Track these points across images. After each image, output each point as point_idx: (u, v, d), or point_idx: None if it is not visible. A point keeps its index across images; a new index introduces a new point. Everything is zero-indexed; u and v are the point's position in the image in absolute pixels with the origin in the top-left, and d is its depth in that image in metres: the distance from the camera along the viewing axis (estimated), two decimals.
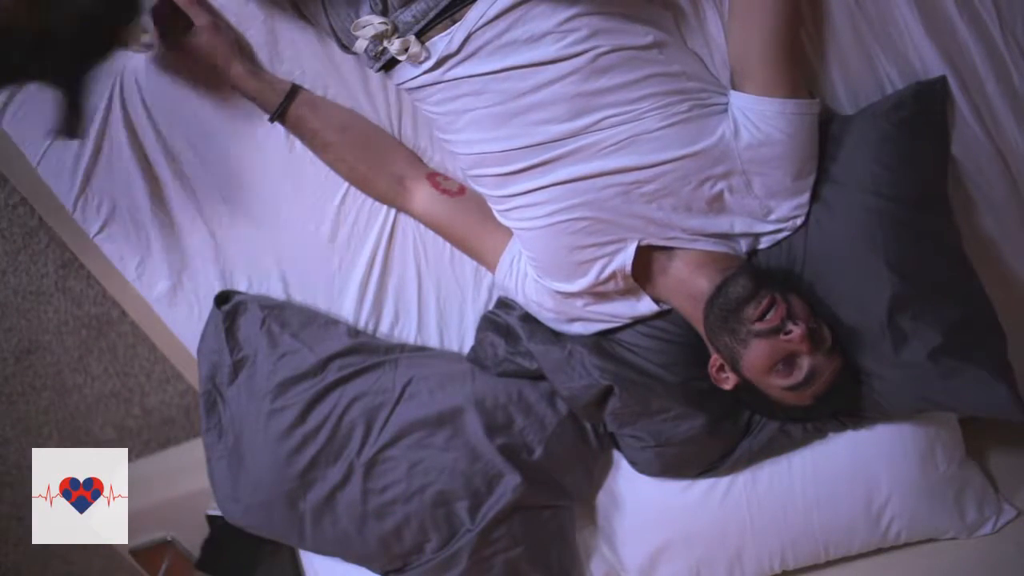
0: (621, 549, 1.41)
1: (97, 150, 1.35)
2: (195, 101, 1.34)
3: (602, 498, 1.41)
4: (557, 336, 1.32)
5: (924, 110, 1.21)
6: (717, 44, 1.22)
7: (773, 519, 1.34)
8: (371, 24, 1.14)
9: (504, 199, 1.23)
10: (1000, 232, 1.31)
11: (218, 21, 1.26)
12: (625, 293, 1.25)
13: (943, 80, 1.22)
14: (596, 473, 1.40)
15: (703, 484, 1.35)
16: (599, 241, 1.20)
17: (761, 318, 1.13)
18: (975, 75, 1.22)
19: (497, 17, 1.10)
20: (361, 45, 1.17)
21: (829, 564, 1.40)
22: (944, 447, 1.33)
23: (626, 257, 1.20)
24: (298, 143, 1.35)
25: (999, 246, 1.32)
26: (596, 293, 1.25)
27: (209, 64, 1.26)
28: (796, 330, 1.11)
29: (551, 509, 1.37)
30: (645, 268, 1.23)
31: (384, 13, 1.15)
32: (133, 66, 1.31)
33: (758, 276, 1.16)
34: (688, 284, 1.21)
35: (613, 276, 1.22)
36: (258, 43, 1.29)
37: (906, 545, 1.37)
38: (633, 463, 1.37)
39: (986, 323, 1.21)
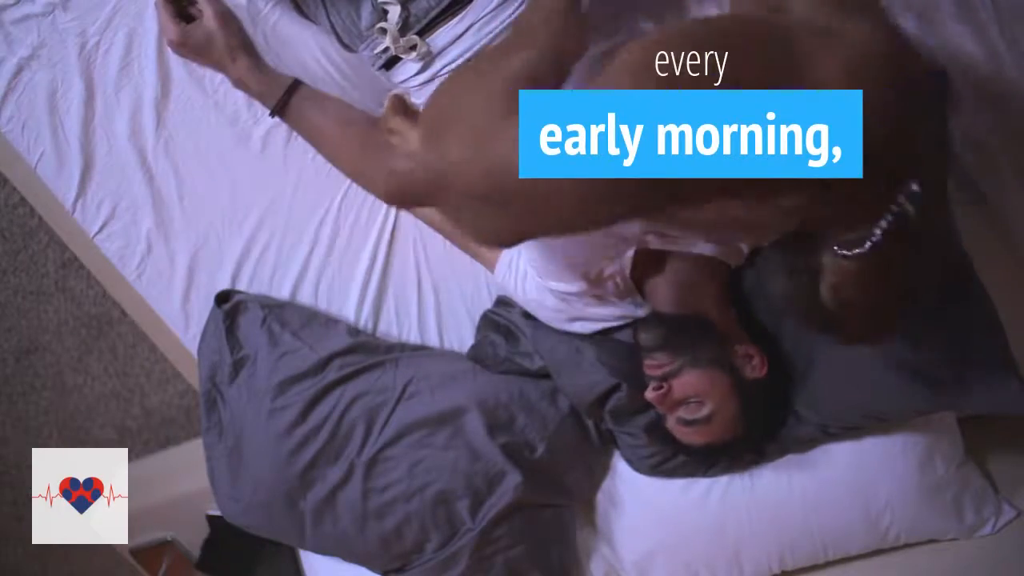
0: (620, 549, 1.41)
1: (93, 150, 1.36)
2: (197, 102, 1.34)
3: (601, 498, 1.41)
4: (561, 334, 1.32)
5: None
6: None
7: (771, 521, 1.34)
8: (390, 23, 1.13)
9: None
10: (1000, 230, 1.31)
11: (225, 13, 1.26)
12: (623, 296, 1.25)
13: (943, 74, 1.22)
14: (597, 472, 1.41)
15: (702, 485, 1.35)
16: (598, 244, 1.20)
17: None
18: (975, 71, 1.22)
19: (499, 6, 1.09)
20: (384, 43, 1.16)
21: (828, 564, 1.40)
22: (943, 448, 1.32)
23: (624, 260, 1.20)
24: (298, 144, 1.35)
25: (998, 244, 1.32)
26: (595, 295, 1.25)
27: (208, 58, 1.27)
28: (652, 392, 1.18)
29: (552, 508, 1.37)
30: (643, 271, 1.23)
31: (386, 12, 1.14)
32: (140, 65, 1.32)
33: (677, 334, 1.19)
34: (682, 290, 1.22)
35: (611, 277, 1.22)
36: (255, 38, 1.30)
37: (906, 546, 1.37)
38: (629, 461, 1.37)
39: (988, 320, 1.21)
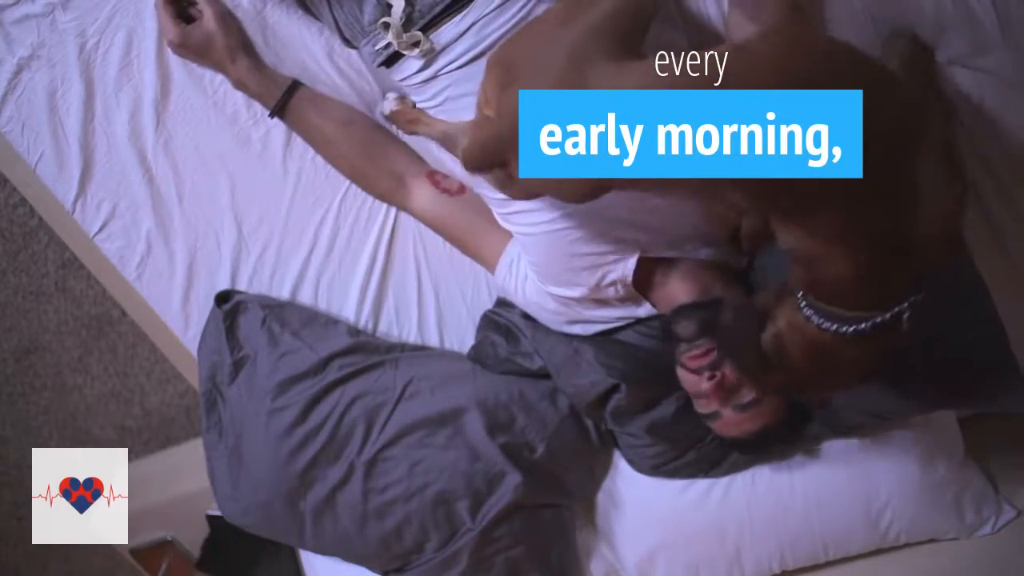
0: (621, 549, 1.41)
1: (93, 150, 1.36)
2: (197, 102, 1.34)
3: (602, 498, 1.41)
4: (561, 334, 1.32)
5: None
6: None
7: (772, 520, 1.34)
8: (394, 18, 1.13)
9: (505, 202, 1.23)
10: (1000, 224, 1.31)
11: (225, 14, 1.27)
12: (625, 300, 1.25)
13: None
14: (597, 472, 1.41)
15: (702, 484, 1.35)
16: (600, 250, 1.19)
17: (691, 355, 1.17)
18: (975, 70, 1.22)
19: (503, 4, 1.10)
20: (387, 39, 1.15)
21: (829, 564, 1.40)
22: (943, 448, 1.33)
23: (627, 268, 1.19)
24: (298, 144, 1.35)
25: (995, 245, 1.32)
26: (597, 299, 1.25)
27: (208, 59, 1.27)
28: (707, 383, 1.14)
29: (552, 508, 1.37)
30: (645, 276, 1.22)
31: (389, 6, 1.14)
32: (139, 65, 1.32)
33: (713, 318, 1.15)
34: (697, 283, 1.21)
35: (613, 284, 1.21)
36: (255, 38, 1.30)
37: (906, 545, 1.37)
38: (630, 461, 1.37)
39: (990, 319, 1.21)
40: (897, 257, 0.87)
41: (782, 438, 1.28)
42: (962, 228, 0.90)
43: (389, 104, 1.28)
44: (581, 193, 0.96)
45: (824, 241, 0.87)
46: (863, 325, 0.90)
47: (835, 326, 0.91)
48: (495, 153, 0.94)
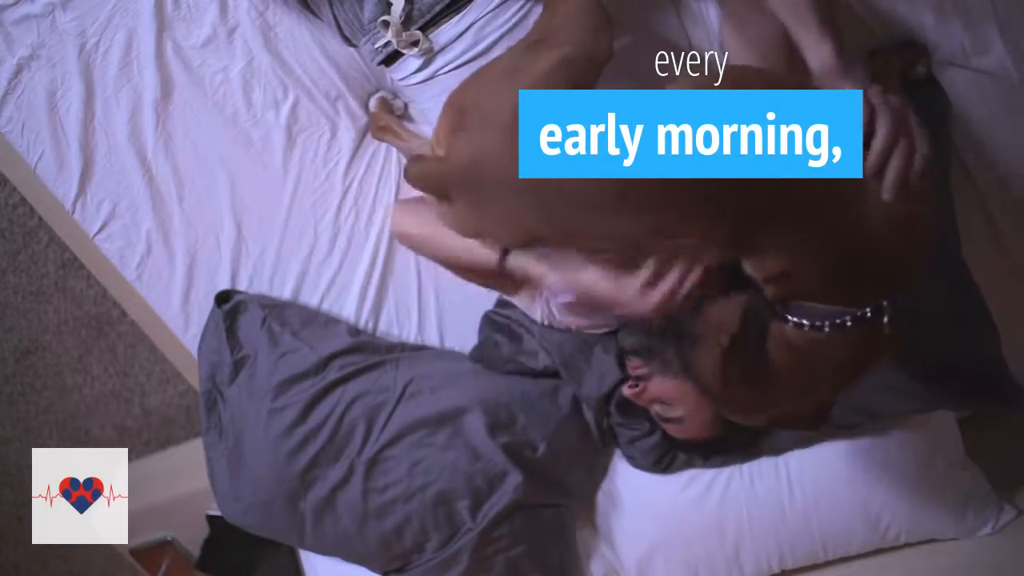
0: (620, 548, 1.41)
1: (93, 150, 1.36)
2: (197, 102, 1.34)
3: (602, 498, 1.41)
4: (567, 331, 1.32)
5: (924, 100, 1.21)
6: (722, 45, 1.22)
7: (771, 519, 1.34)
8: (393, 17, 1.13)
9: None
10: (999, 223, 1.31)
11: None
12: None
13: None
14: (597, 471, 1.41)
15: (701, 484, 1.35)
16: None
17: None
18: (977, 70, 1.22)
19: (501, 5, 1.10)
20: (386, 37, 1.15)
21: (828, 564, 1.40)
22: (943, 448, 1.33)
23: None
24: (298, 144, 1.36)
25: (996, 238, 1.32)
26: None
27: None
28: (627, 389, 1.21)
29: (552, 508, 1.38)
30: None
31: (389, 4, 1.14)
32: (139, 65, 1.32)
33: (654, 344, 1.19)
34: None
35: None
36: (257, 38, 1.30)
37: (906, 545, 1.37)
38: (630, 458, 1.37)
39: (984, 321, 1.21)
40: (860, 260, 0.89)
41: (714, 453, 1.32)
42: (927, 233, 0.91)
43: (373, 102, 1.30)
44: (509, 243, 1.01)
45: (782, 263, 0.89)
46: (839, 320, 0.90)
47: (815, 322, 0.91)
48: (436, 189, 0.99)
